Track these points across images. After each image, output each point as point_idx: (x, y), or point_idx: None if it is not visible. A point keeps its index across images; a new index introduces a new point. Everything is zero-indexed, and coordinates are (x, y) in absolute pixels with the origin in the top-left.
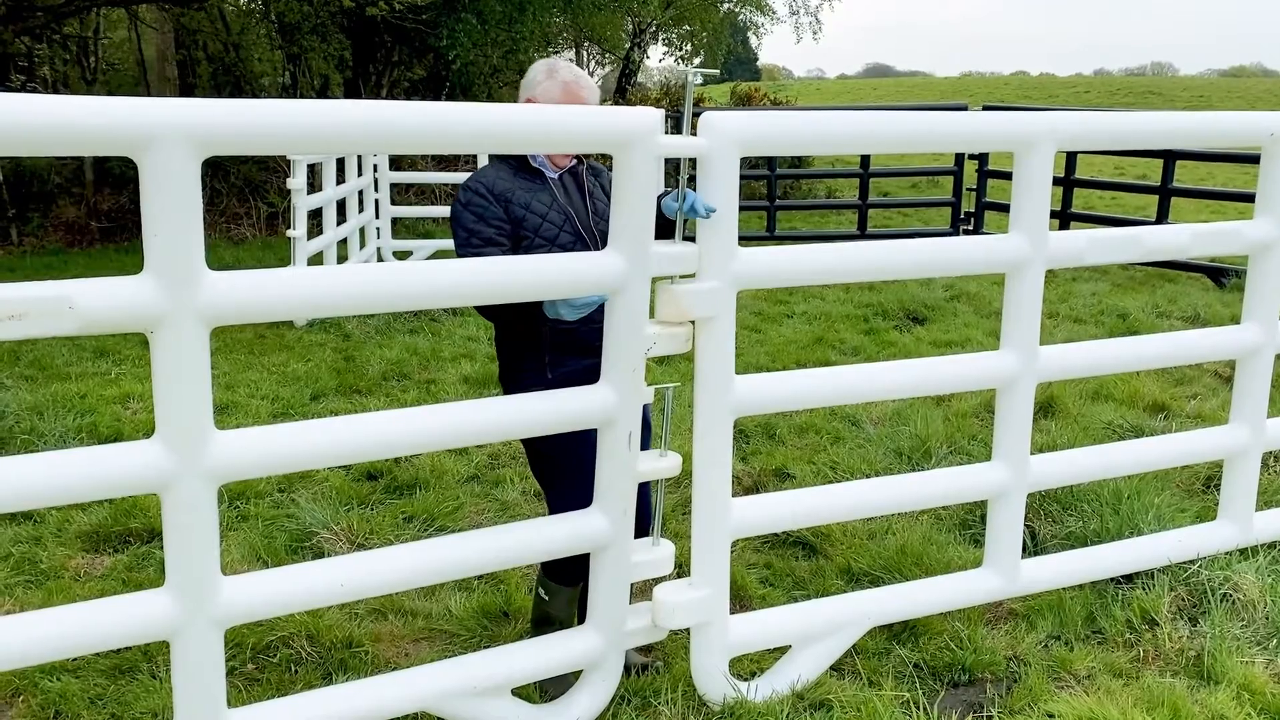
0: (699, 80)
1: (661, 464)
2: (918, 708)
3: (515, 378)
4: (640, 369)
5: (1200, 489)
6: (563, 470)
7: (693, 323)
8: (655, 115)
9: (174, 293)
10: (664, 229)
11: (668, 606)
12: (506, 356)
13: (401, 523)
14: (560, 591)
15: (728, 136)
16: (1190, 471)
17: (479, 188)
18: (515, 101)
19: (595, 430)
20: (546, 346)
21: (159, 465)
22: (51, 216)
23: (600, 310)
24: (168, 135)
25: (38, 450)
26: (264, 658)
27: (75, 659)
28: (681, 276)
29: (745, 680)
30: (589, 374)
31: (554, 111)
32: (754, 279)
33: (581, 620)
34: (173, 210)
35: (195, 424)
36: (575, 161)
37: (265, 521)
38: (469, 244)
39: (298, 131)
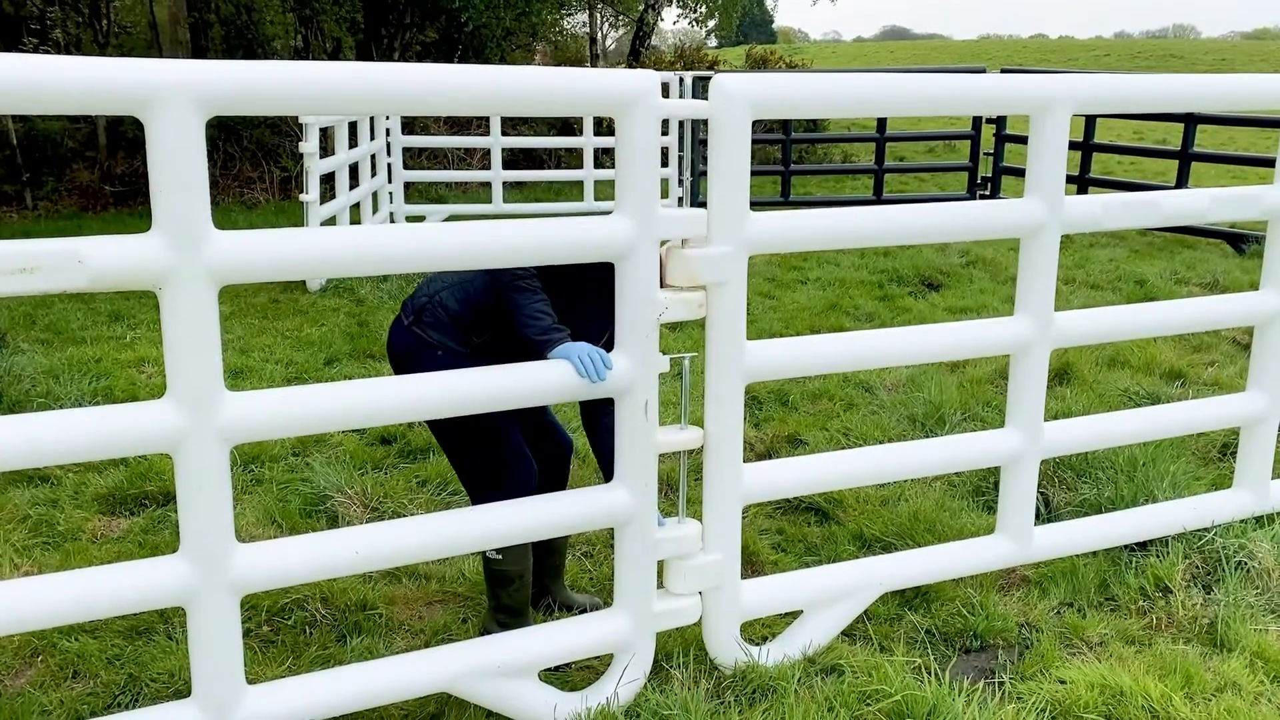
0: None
1: (681, 437)
2: (929, 673)
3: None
4: (653, 335)
5: (1216, 456)
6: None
7: (704, 288)
8: (653, 77)
9: (181, 250)
10: None
11: (679, 570)
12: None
13: (415, 487)
14: (509, 549)
15: (737, 98)
16: (1206, 439)
17: None
18: (529, 64)
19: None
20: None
21: (170, 424)
22: (65, 180)
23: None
24: (171, 95)
25: None
26: (279, 620)
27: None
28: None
29: (757, 645)
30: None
31: (556, 74)
32: (766, 243)
33: (538, 582)
34: (178, 168)
35: (205, 383)
36: None
37: (279, 485)
38: None
39: (296, 91)
